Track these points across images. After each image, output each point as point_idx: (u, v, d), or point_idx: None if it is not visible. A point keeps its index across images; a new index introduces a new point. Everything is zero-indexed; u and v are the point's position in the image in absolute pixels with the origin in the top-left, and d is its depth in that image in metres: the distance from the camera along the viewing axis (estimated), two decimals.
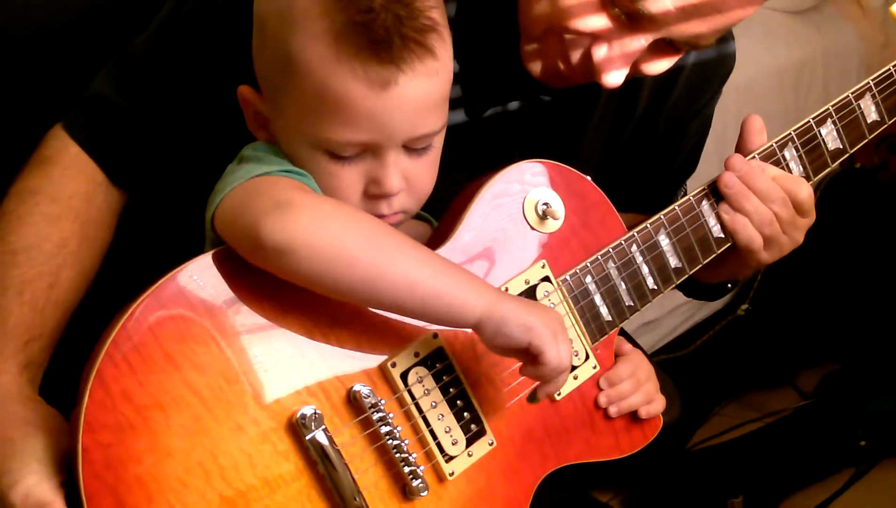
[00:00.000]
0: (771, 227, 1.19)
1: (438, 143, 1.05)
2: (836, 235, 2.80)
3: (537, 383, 1.03)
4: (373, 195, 1.03)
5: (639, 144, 1.39)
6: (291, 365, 0.99)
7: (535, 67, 1.18)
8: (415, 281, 0.96)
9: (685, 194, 1.21)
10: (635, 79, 1.18)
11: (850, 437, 2.43)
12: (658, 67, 1.17)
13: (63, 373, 1.03)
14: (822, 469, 2.39)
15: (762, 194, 1.19)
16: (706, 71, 1.36)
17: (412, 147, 1.02)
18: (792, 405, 2.60)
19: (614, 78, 1.13)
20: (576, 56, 1.13)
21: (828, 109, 1.26)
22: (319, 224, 0.94)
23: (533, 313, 0.99)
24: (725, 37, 1.33)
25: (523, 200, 1.13)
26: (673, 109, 1.37)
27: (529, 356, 0.99)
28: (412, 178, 1.03)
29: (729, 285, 1.37)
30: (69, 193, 1.15)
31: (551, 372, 0.99)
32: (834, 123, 1.26)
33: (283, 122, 1.03)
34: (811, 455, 2.42)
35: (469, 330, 1.02)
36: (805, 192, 1.21)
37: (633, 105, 1.34)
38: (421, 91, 0.99)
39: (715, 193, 1.21)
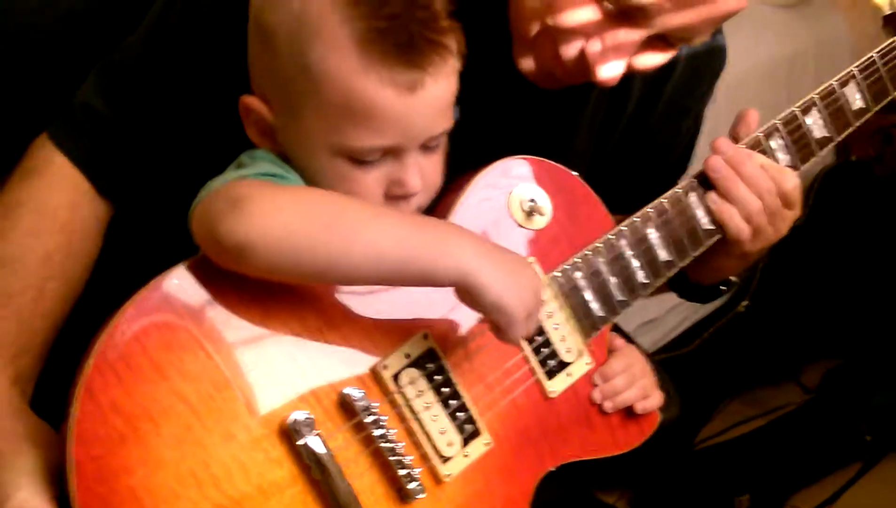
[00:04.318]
0: (758, 217, 1.19)
1: (445, 139, 1.06)
2: (833, 227, 2.80)
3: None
4: (394, 196, 1.03)
5: (630, 143, 1.38)
6: (282, 370, 0.98)
7: (528, 67, 1.17)
8: (381, 252, 0.95)
9: None
10: (625, 77, 1.17)
11: (855, 432, 2.42)
12: (651, 61, 1.16)
13: (53, 385, 1.02)
14: (828, 465, 2.38)
15: (749, 180, 1.18)
16: (697, 67, 1.35)
17: (427, 145, 1.03)
18: (796, 401, 2.59)
19: (609, 71, 1.12)
20: (569, 53, 1.12)
21: (812, 97, 1.25)
22: (272, 216, 0.94)
23: (509, 289, 0.97)
24: (714, 33, 1.32)
25: (508, 197, 1.12)
26: (665, 107, 1.36)
27: (496, 326, 1.00)
28: (426, 175, 1.04)
29: (722, 288, 1.36)
30: (54, 205, 1.14)
31: (511, 343, 1.02)
32: (819, 111, 1.25)
33: (298, 131, 1.02)
34: (817, 450, 2.41)
35: (460, 327, 1.03)
36: (791, 183, 1.20)
37: (623, 103, 1.33)
38: (442, 91, 1.00)
39: (703, 183, 1.21)
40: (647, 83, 1.32)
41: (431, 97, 0.99)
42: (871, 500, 2.27)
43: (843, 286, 2.77)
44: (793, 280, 2.72)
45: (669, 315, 2.57)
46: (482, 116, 1.21)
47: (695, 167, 1.40)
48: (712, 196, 1.20)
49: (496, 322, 0.99)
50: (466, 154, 1.11)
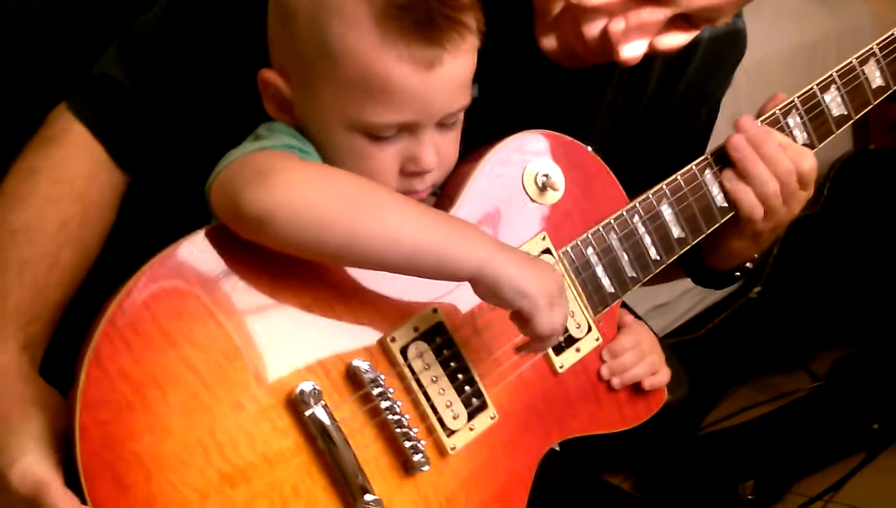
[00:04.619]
0: (774, 198, 1.18)
1: (462, 116, 1.06)
2: (849, 216, 2.79)
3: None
4: (410, 173, 1.03)
5: (648, 126, 1.37)
6: (290, 341, 0.98)
7: (550, 46, 1.17)
8: (399, 237, 0.95)
9: None
10: (646, 59, 1.17)
11: (862, 420, 2.41)
12: (674, 42, 1.15)
13: (64, 354, 1.02)
14: (833, 453, 2.37)
15: (769, 160, 1.17)
16: (718, 51, 1.34)
17: (444, 122, 1.03)
18: (805, 388, 2.58)
19: (631, 51, 1.12)
20: (591, 32, 1.12)
21: (831, 75, 1.24)
22: (297, 189, 0.94)
23: (530, 277, 0.97)
24: (735, 16, 1.31)
25: (523, 171, 1.12)
26: (684, 90, 1.35)
27: (520, 318, 0.98)
28: (442, 152, 1.04)
29: (737, 274, 1.35)
30: (71, 173, 1.14)
31: (540, 336, 0.99)
32: (838, 88, 1.24)
33: (315, 106, 1.02)
34: (823, 438, 2.41)
35: (470, 302, 1.02)
36: (809, 163, 1.19)
37: (643, 85, 1.32)
38: (461, 68, 1.00)
39: (718, 161, 1.20)
40: (667, 65, 1.31)
41: (449, 74, 0.99)
42: (875, 489, 2.27)
43: (857, 276, 2.76)
44: (806, 268, 2.71)
45: (681, 299, 2.56)
46: (501, 95, 1.21)
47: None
48: (728, 174, 1.19)
49: (520, 312, 0.98)
50: (484, 132, 1.11)
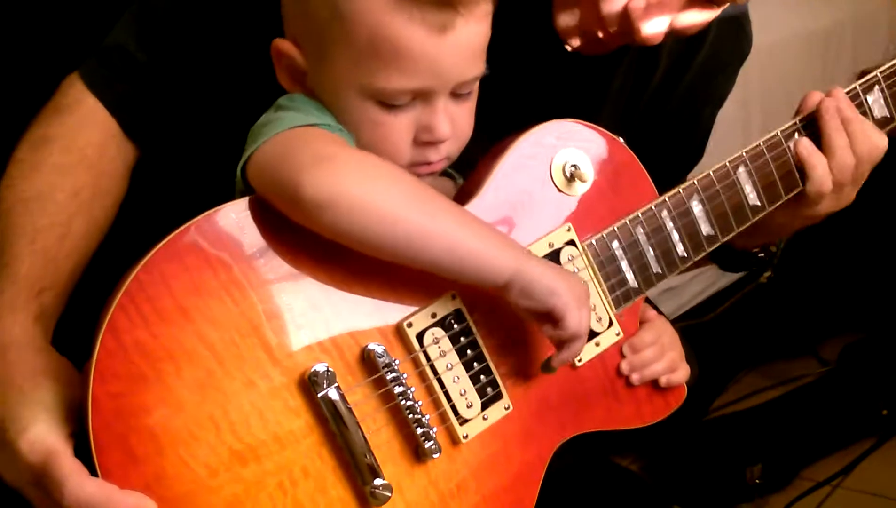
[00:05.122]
0: (847, 172, 1.17)
1: (476, 88, 1.05)
2: (862, 203, 2.76)
3: (552, 353, 1.02)
4: (423, 142, 1.02)
5: (651, 118, 1.35)
6: (306, 321, 0.98)
7: (568, 24, 1.15)
8: (454, 241, 0.96)
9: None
10: (655, 46, 1.15)
11: (871, 406, 2.41)
12: (695, 20, 1.14)
13: (78, 329, 1.01)
14: (842, 438, 2.37)
15: (853, 137, 1.17)
16: (725, 48, 1.33)
17: (458, 92, 1.02)
18: (813, 373, 2.58)
19: (652, 29, 1.10)
20: (612, 9, 1.10)
21: (876, 75, 1.23)
22: (363, 180, 0.94)
23: (559, 278, 0.99)
24: (742, 23, 1.30)
25: (551, 161, 1.10)
26: (689, 83, 1.34)
27: (551, 320, 0.98)
28: (457, 123, 1.03)
29: (761, 255, 1.33)
30: (83, 143, 1.14)
31: (570, 337, 0.99)
32: (882, 90, 1.23)
33: (329, 74, 1.01)
34: (832, 423, 2.40)
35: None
36: (884, 146, 1.19)
37: (650, 74, 1.31)
38: (475, 34, 0.99)
39: (753, 160, 1.18)
40: (675, 55, 1.30)
41: (463, 39, 0.98)
42: (884, 474, 2.27)
43: (869, 262, 2.75)
44: (817, 254, 2.70)
45: (691, 283, 2.56)
46: (512, 77, 1.19)
47: (718, 148, 1.38)
48: (805, 142, 1.18)
49: (551, 312, 0.98)
50: (494, 115, 1.10)
